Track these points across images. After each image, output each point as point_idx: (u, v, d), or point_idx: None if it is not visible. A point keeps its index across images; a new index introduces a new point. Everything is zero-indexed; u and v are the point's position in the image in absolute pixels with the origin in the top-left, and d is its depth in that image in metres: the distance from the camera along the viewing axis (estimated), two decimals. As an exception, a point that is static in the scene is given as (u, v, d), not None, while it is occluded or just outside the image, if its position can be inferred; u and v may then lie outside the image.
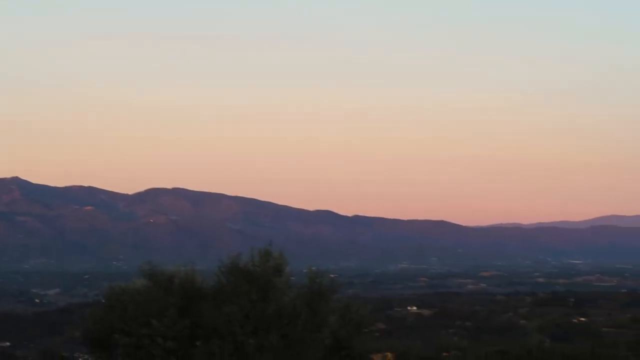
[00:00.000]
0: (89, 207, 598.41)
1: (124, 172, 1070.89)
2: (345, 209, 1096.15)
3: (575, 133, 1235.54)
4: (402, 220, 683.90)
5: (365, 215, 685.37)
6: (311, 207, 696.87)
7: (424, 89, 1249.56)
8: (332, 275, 19.45)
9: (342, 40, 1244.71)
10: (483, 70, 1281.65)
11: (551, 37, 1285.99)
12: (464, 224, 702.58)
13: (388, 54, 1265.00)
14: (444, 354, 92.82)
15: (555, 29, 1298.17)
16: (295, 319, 15.89)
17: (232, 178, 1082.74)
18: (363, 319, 16.73)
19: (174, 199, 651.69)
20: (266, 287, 16.48)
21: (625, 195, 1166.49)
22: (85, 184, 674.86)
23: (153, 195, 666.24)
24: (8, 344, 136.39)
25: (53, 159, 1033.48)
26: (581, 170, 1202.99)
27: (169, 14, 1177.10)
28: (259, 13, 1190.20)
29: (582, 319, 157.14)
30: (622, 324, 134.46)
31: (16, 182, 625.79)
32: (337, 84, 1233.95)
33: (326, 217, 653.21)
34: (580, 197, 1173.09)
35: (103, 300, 19.86)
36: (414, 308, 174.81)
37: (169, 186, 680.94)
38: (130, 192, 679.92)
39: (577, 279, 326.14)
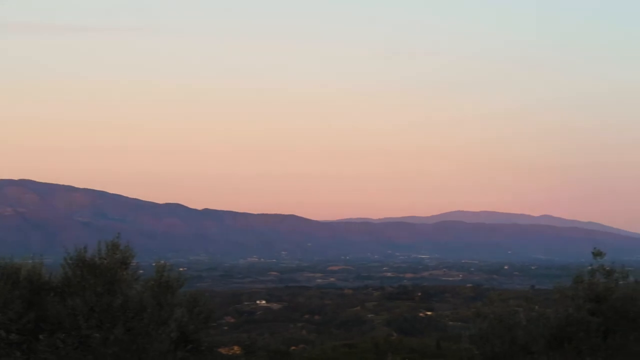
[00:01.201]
0: None
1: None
2: (195, 203, 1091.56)
3: (423, 131, 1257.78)
4: (252, 214, 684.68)
5: (215, 208, 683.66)
6: (161, 200, 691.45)
7: (271, 78, 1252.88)
8: (180, 269, 19.26)
9: (172, 29, 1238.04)
10: (321, 61, 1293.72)
11: (391, 35, 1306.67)
12: (313, 218, 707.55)
13: (223, 46, 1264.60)
14: (292, 347, 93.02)
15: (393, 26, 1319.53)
16: (141, 312, 15.64)
17: (80, 170, 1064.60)
18: (210, 312, 16.58)
19: (20, 190, 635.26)
20: (112, 280, 16.19)
21: (470, 191, 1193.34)
22: None
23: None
24: None
25: None
26: (428, 167, 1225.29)
27: None
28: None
29: (429, 312, 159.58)
30: (467, 317, 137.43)
31: None
32: (184, 77, 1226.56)
33: (176, 211, 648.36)
34: (428, 193, 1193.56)
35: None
36: (263, 302, 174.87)
37: (15, 177, 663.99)
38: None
39: (424, 274, 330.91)
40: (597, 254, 16.63)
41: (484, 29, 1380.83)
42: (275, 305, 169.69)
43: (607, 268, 16.56)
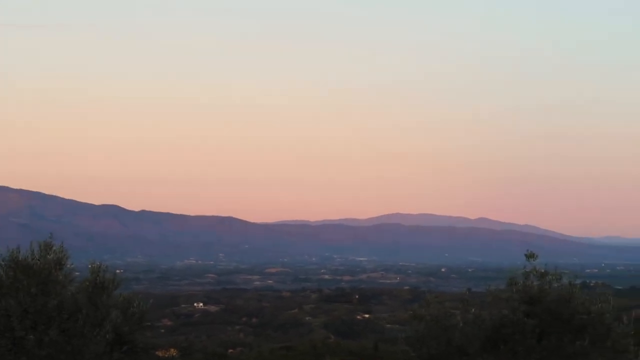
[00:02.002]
0: None
1: None
2: (132, 204, 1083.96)
3: (362, 135, 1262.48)
4: (190, 216, 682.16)
5: (152, 210, 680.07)
6: (97, 201, 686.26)
7: (209, 81, 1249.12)
8: (117, 271, 19.12)
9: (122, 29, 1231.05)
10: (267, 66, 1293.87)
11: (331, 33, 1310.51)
12: (251, 220, 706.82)
13: (155, 48, 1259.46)
14: (230, 350, 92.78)
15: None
16: (76, 314, 15.49)
17: (15, 171, 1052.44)
18: (145, 313, 16.47)
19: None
20: (46, 281, 16.01)
21: (408, 194, 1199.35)
22: None
23: None
24: None
25: None
26: (366, 170, 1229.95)
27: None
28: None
29: (366, 315, 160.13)
30: (404, 320, 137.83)
31: None
32: (119, 79, 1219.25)
33: (113, 212, 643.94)
34: (366, 195, 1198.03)
35: None
36: (201, 304, 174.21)
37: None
38: None
39: (362, 276, 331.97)
40: (530, 256, 16.79)
41: (435, 36, 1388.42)
42: (212, 308, 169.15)
43: (541, 270, 16.72)
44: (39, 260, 16.39)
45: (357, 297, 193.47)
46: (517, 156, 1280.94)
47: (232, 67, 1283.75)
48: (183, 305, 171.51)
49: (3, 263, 16.92)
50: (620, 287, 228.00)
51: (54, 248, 16.64)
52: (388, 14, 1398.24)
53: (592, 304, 16.25)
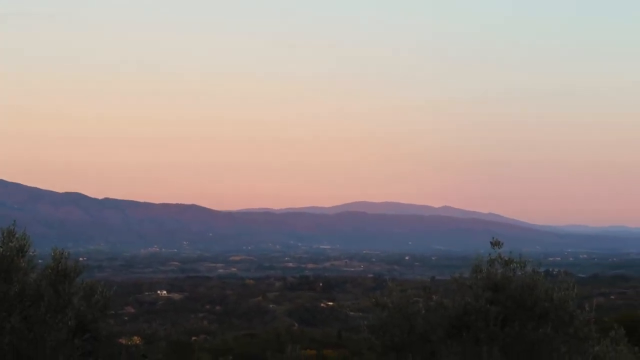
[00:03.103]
0: None
1: None
2: (96, 192, 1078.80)
3: (326, 121, 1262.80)
4: (154, 204, 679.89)
5: (116, 198, 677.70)
6: (60, 189, 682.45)
7: (170, 65, 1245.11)
8: (80, 259, 19.01)
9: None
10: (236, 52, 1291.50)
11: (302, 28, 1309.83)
12: (215, 208, 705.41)
13: (117, 32, 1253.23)
14: (193, 338, 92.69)
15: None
16: (38, 301, 15.38)
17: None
18: (108, 301, 16.38)
19: None
20: (8, 268, 15.88)
21: (372, 182, 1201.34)
22: None
23: None
24: None
25: None
26: (331, 157, 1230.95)
27: None
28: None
29: (330, 303, 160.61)
30: (367, 308, 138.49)
31: None
32: (83, 63, 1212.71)
33: (76, 200, 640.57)
34: (330, 183, 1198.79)
35: None
36: (164, 292, 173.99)
37: None
38: None
39: (326, 264, 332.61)
40: (496, 243, 16.84)
41: (400, 23, 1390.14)
42: (176, 296, 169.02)
43: (505, 258, 16.78)
44: (1, 247, 16.25)
45: (321, 285, 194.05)
46: (481, 145, 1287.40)
47: (190, 53, 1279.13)
48: (147, 293, 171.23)
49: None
50: (583, 276, 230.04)
51: (16, 235, 16.50)
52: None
53: (555, 291, 16.32)
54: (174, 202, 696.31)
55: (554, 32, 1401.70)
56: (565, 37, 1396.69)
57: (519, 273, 16.65)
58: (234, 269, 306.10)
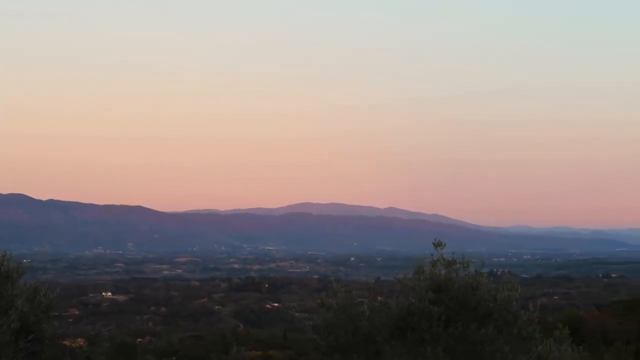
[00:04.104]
0: None
1: None
2: (39, 193, 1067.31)
3: (272, 122, 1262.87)
4: (98, 205, 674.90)
5: (60, 199, 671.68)
6: (3, 190, 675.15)
7: (111, 64, 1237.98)
8: (24, 260, 18.89)
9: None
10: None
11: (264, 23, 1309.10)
12: (160, 209, 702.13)
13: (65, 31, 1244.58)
14: (139, 339, 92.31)
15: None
16: (-20, 303, 15.27)
17: None
18: (51, 302, 16.29)
19: None
20: (-50, 271, 15.75)
21: (318, 183, 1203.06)
22: None
23: None
24: None
25: None
26: (276, 158, 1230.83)
27: None
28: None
29: (276, 304, 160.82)
30: (313, 308, 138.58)
31: None
32: (22, 60, 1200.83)
33: (19, 201, 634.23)
34: (275, 184, 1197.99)
35: None
36: (109, 294, 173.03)
37: None
38: None
39: (272, 265, 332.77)
40: (438, 244, 16.96)
41: (357, 23, 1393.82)
42: (121, 297, 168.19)
43: (448, 258, 16.90)
44: (-59, 249, 16.12)
45: (266, 286, 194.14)
46: (426, 146, 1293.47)
47: (133, 51, 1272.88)
48: (91, 295, 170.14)
49: None
50: (527, 276, 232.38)
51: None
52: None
53: (498, 292, 16.46)
54: (119, 203, 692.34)
55: (499, 29, 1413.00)
56: (509, 36, 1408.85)
57: (462, 274, 16.78)
58: (179, 271, 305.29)
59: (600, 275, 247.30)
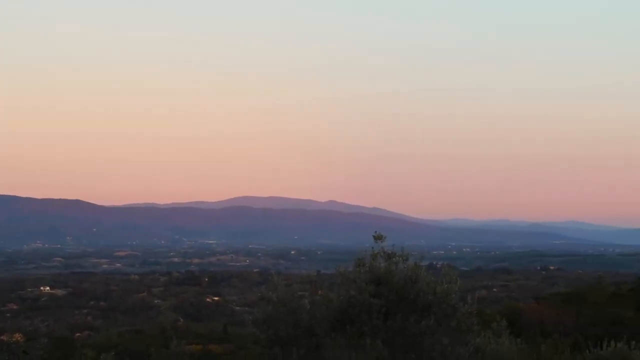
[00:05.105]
0: None
1: None
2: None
3: (211, 116, 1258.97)
4: (36, 199, 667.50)
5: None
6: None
7: (62, 56, 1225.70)
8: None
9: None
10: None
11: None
12: (99, 203, 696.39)
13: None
14: (77, 334, 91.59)
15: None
16: None
17: None
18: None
19: None
20: None
21: (258, 177, 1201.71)
22: None
23: None
24: None
25: None
26: (215, 152, 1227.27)
27: None
28: None
29: (216, 298, 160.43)
30: (253, 302, 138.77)
31: None
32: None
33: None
34: (215, 178, 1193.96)
35: None
36: (47, 288, 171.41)
37: None
38: None
39: (212, 259, 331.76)
40: (378, 237, 17.02)
41: (295, 21, 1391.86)
42: (59, 292, 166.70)
43: (389, 251, 16.97)
44: None
45: (206, 280, 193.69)
46: (365, 140, 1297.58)
47: (74, 43, 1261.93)
48: (29, 289, 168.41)
49: None
50: (466, 269, 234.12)
51: None
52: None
53: (437, 284, 16.56)
54: (57, 197, 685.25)
55: (434, 27, 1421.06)
56: (439, 32, 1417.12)
57: (402, 266, 16.85)
58: (118, 265, 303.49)
59: (539, 268, 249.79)
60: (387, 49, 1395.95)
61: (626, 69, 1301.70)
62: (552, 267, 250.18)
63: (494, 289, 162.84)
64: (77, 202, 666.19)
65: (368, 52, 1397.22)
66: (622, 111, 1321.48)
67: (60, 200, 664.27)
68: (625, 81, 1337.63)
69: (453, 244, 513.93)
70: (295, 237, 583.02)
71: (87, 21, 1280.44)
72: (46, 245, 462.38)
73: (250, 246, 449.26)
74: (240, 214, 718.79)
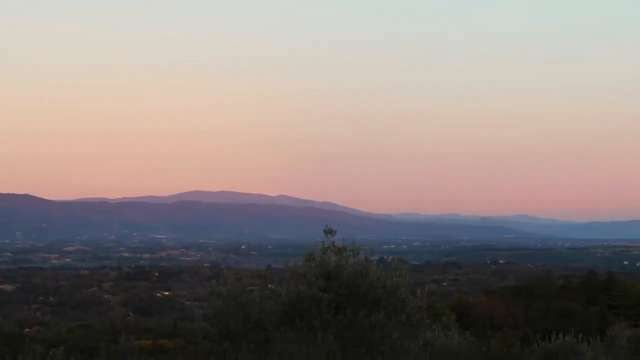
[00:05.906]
0: None
1: None
2: None
3: (161, 112, 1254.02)
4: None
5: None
6: None
7: (31, 52, 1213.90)
8: None
9: None
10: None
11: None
12: (49, 198, 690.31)
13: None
14: (26, 329, 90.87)
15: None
16: None
17: None
18: None
19: None
20: None
21: (208, 171, 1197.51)
22: None
23: None
24: None
25: None
26: (165, 147, 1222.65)
27: None
28: None
29: (166, 292, 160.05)
30: (203, 297, 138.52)
31: None
32: None
33: None
34: (165, 173, 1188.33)
35: None
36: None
37: None
38: None
39: (162, 254, 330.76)
40: (329, 232, 17.03)
41: (251, 16, 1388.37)
42: (8, 287, 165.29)
43: (339, 246, 16.98)
44: None
45: (156, 274, 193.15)
46: (316, 135, 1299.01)
47: (31, 40, 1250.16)
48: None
49: None
50: (416, 263, 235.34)
51: None
52: None
53: (387, 278, 16.59)
54: (5, 191, 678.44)
55: (388, 24, 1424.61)
56: (393, 31, 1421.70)
57: (352, 261, 16.87)
58: (68, 260, 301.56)
59: (489, 262, 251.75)
60: (337, 45, 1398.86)
61: (571, 65, 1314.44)
62: (501, 261, 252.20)
63: (444, 283, 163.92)
64: (26, 197, 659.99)
65: (318, 48, 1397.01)
66: (573, 108, 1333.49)
67: (8, 195, 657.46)
68: (575, 78, 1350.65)
69: (403, 238, 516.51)
70: (246, 232, 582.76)
71: (34, 18, 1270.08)
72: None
73: (200, 241, 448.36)
74: (190, 209, 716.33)
